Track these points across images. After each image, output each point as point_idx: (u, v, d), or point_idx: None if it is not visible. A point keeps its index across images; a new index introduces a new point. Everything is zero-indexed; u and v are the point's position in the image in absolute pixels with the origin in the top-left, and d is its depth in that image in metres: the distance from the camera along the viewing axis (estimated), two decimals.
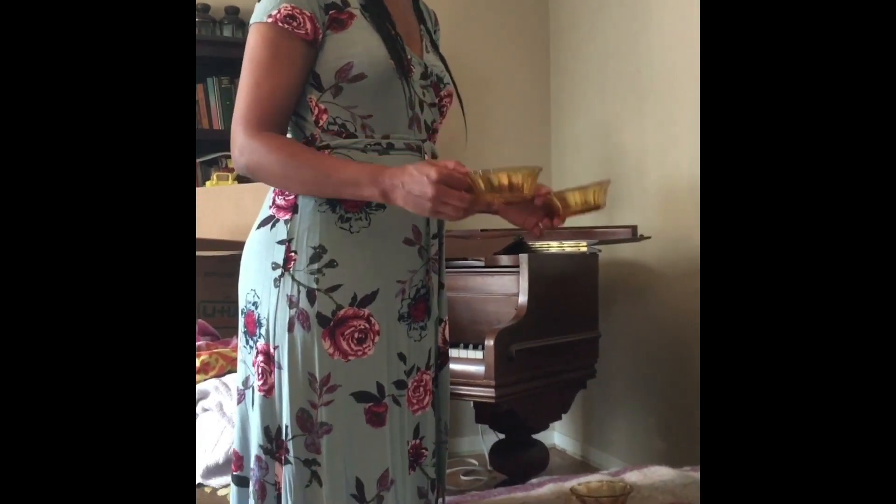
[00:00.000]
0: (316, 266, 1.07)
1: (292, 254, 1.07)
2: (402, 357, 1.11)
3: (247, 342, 1.13)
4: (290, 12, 1.05)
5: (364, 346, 1.07)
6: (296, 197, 1.09)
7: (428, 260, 1.15)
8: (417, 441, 1.14)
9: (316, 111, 1.10)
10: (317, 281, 1.06)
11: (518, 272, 2.01)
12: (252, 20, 1.09)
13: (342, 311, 1.06)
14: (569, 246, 2.16)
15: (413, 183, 0.97)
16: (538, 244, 2.18)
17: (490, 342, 1.87)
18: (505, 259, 2.06)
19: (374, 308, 1.08)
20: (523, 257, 2.00)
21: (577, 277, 2.21)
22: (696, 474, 1.55)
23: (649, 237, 2.29)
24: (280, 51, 1.06)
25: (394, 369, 1.10)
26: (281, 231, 1.09)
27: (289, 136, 1.13)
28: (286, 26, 1.05)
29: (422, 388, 1.14)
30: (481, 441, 2.97)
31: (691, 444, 2.27)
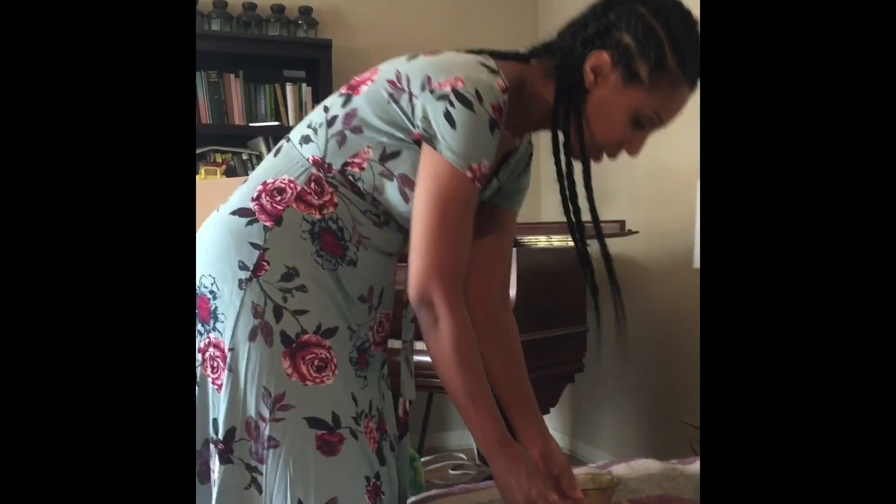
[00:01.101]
0: (287, 285, 1.05)
1: (265, 263, 1.05)
2: (353, 398, 1.09)
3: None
4: (487, 173, 1.04)
5: (323, 374, 1.05)
6: (285, 209, 1.07)
7: (373, 319, 1.14)
8: (378, 482, 1.10)
9: (358, 159, 1.08)
10: (285, 299, 1.04)
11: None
12: (447, 151, 1.01)
13: (306, 336, 1.05)
14: (557, 240, 2.16)
15: (517, 481, 1.07)
16: (527, 239, 2.18)
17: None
18: None
19: (334, 342, 1.07)
20: (512, 251, 2.00)
21: (566, 272, 2.21)
22: (683, 467, 1.56)
23: (637, 232, 2.30)
24: (472, 207, 1.05)
25: (349, 405, 1.08)
26: (257, 234, 1.06)
27: (303, 146, 1.11)
28: (479, 186, 1.04)
29: (370, 435, 1.11)
30: (470, 435, 2.98)
31: (678, 437, 2.29)
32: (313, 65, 3.17)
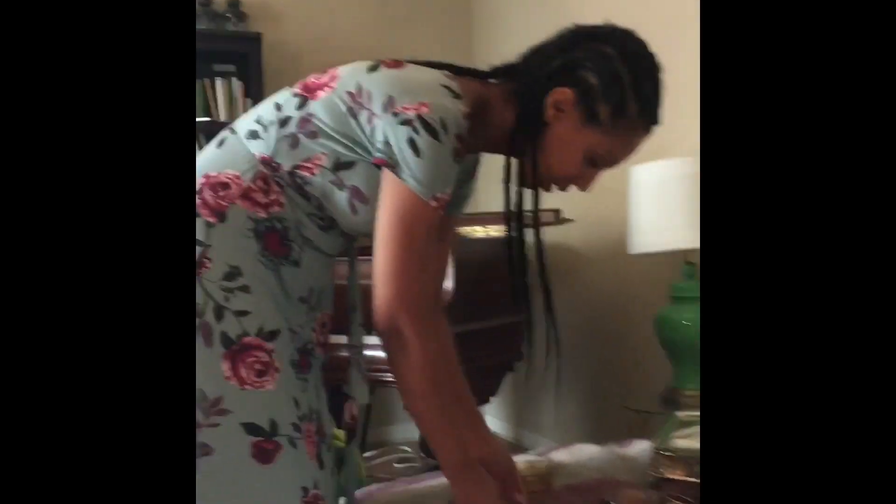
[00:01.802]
0: (229, 284, 1.02)
1: (206, 260, 1.02)
2: (295, 402, 1.06)
3: None
4: (449, 200, 1.03)
5: (263, 379, 1.02)
6: (229, 205, 1.04)
7: (313, 320, 1.13)
8: (316, 491, 1.07)
9: (309, 164, 1.05)
10: (226, 299, 1.01)
11: None
12: (411, 180, 1.00)
13: (248, 339, 1.02)
14: (493, 230, 2.17)
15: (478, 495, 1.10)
16: (463, 229, 2.19)
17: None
18: None
19: (276, 345, 1.04)
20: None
21: (504, 262, 2.22)
22: (621, 450, 1.59)
23: (572, 220, 2.33)
24: (434, 234, 1.04)
25: (289, 411, 1.05)
26: (199, 230, 1.03)
27: (253, 142, 1.09)
28: (441, 213, 1.03)
29: (310, 440, 1.09)
30: (414, 428, 2.98)
31: (618, 422, 2.33)
32: (243, 59, 3.11)
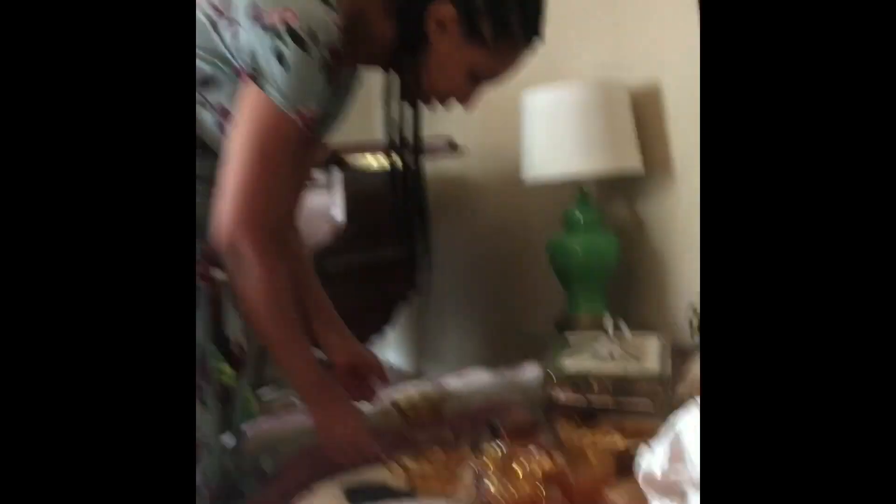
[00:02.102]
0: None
1: None
2: None
3: None
4: (315, 118, 0.99)
5: None
6: None
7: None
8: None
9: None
10: None
11: (332, 189, 1.97)
12: (274, 91, 0.95)
13: None
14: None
15: (342, 428, 1.07)
16: (353, 160, 2.12)
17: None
18: (318, 176, 1.99)
19: None
20: (337, 174, 1.94)
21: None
22: (514, 375, 1.61)
23: (463, 146, 2.30)
24: (291, 153, 1.00)
25: None
26: None
27: None
28: (305, 131, 0.98)
29: None
30: None
31: (514, 348, 2.36)
32: None
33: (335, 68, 0.98)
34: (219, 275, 1.18)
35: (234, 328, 1.28)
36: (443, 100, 1.12)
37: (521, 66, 1.13)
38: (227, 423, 1.25)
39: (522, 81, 2.34)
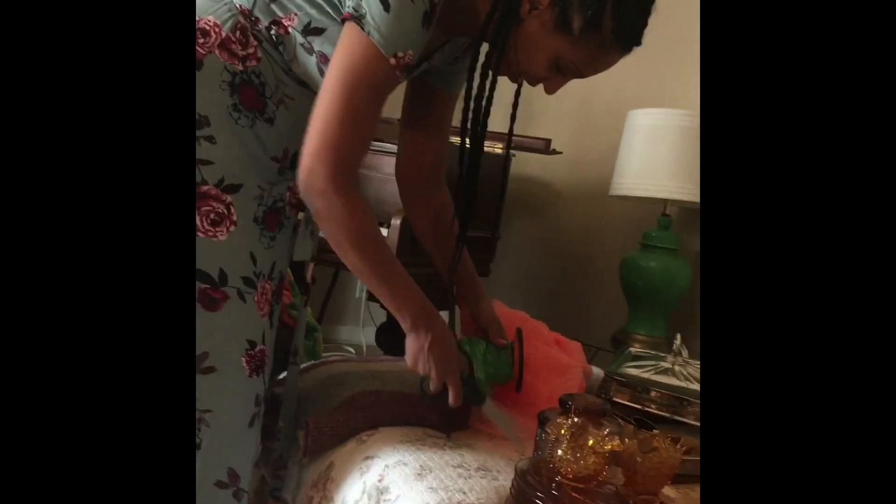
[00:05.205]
0: (195, 132, 1.01)
1: None
2: (252, 257, 1.06)
3: None
4: (411, 64, 0.99)
5: (217, 228, 1.02)
6: (207, 54, 1.02)
7: (288, 179, 1.12)
8: (264, 346, 1.09)
9: (285, 21, 1.03)
10: None
11: None
12: (374, 32, 0.95)
13: (205, 188, 1.01)
14: (485, 146, 2.16)
15: (445, 351, 1.10)
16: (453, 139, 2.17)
17: (397, 221, 1.86)
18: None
19: (236, 199, 1.03)
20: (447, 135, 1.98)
21: (488, 177, 2.21)
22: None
23: (561, 152, 2.33)
24: (383, 96, 1.00)
25: (242, 264, 1.05)
26: None
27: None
28: (399, 76, 0.98)
29: (264, 298, 1.10)
30: (361, 333, 3.01)
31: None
32: None
33: (432, 19, 0.99)
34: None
35: (304, 255, 1.28)
36: (529, 79, 1.10)
37: (612, 70, 1.08)
38: (289, 346, 1.27)
39: (630, 99, 2.38)
